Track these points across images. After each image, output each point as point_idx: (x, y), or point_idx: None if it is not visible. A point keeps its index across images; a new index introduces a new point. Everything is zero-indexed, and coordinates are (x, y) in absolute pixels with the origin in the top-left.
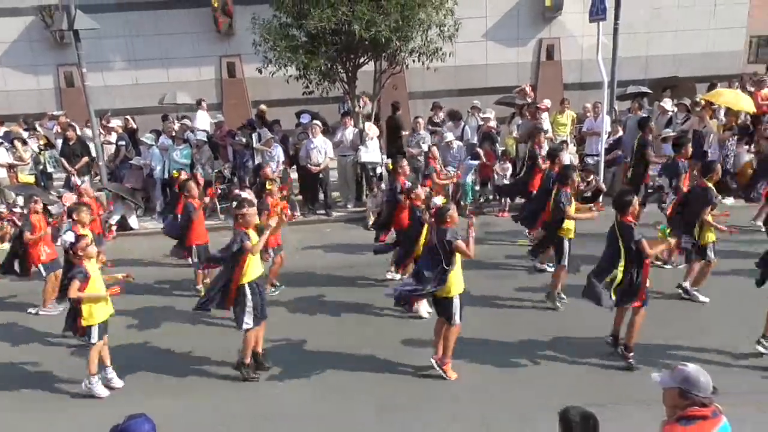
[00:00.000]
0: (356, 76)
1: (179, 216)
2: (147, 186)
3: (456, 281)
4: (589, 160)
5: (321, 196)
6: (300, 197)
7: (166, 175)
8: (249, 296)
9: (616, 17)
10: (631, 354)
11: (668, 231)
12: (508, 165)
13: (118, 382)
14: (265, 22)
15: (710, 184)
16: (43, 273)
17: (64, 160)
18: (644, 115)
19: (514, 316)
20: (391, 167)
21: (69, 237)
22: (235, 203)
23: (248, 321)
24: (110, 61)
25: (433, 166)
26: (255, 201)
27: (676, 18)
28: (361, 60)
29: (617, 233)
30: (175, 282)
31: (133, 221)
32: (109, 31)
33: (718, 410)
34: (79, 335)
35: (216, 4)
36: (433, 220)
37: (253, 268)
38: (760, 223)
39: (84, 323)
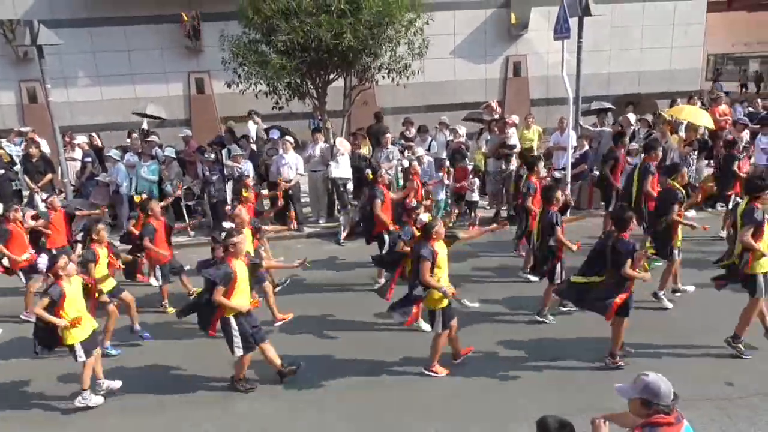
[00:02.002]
0: (326, 92)
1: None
2: (114, 203)
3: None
4: (556, 174)
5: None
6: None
7: (133, 192)
8: (235, 328)
9: (580, 36)
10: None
11: (651, 264)
12: (476, 180)
13: (97, 399)
14: (234, 38)
15: (675, 184)
16: (23, 280)
17: (27, 178)
18: (609, 130)
19: (492, 326)
20: (371, 177)
21: (43, 261)
22: (224, 235)
23: (239, 351)
24: (75, 76)
25: (416, 181)
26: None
27: (638, 37)
28: (331, 76)
29: (609, 248)
30: (141, 299)
31: None
32: (74, 47)
33: (681, 416)
34: (56, 347)
35: (186, 19)
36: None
37: (240, 300)
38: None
39: (66, 342)
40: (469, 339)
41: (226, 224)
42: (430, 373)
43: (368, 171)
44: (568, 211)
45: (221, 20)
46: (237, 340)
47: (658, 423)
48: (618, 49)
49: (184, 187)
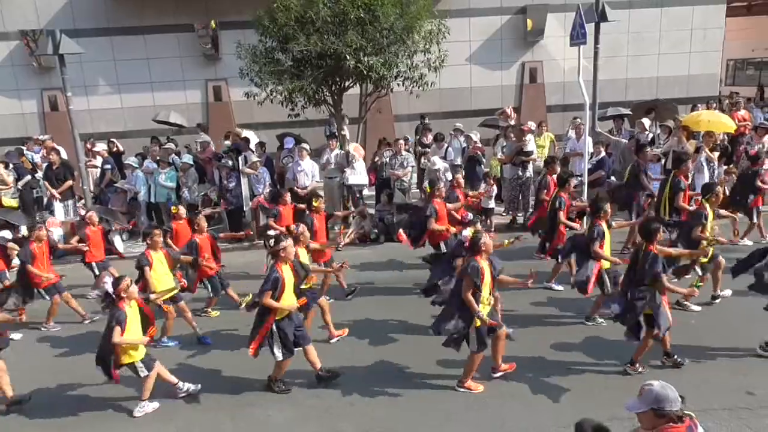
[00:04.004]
0: (342, 99)
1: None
2: (132, 210)
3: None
4: (573, 181)
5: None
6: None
7: (152, 199)
8: (275, 332)
9: (596, 41)
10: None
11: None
12: (494, 187)
13: (153, 405)
14: (251, 47)
15: (707, 206)
16: (46, 297)
17: (47, 184)
18: (625, 141)
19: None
20: (429, 190)
21: (108, 282)
22: (273, 241)
23: (278, 354)
24: (95, 85)
25: (460, 194)
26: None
27: (655, 42)
28: (347, 84)
29: (640, 259)
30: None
31: (118, 244)
32: (94, 55)
33: (693, 425)
34: (112, 379)
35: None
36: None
37: (288, 302)
38: (748, 242)
39: (128, 362)
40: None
41: (272, 232)
42: (464, 389)
43: (426, 184)
44: (585, 216)
45: (239, 29)
46: (278, 342)
47: None
48: (635, 54)
49: (202, 193)
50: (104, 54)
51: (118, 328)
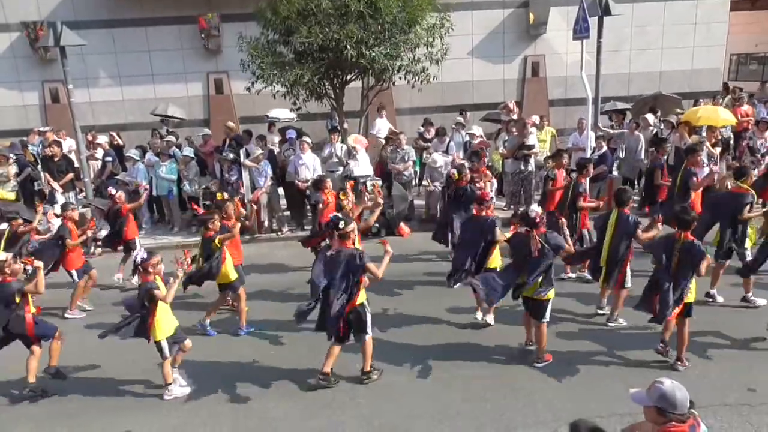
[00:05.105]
0: (344, 93)
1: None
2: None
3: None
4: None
5: (308, 212)
6: (287, 213)
7: (154, 192)
8: (368, 312)
9: (599, 35)
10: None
11: None
12: (494, 181)
13: (183, 390)
14: (252, 39)
15: (746, 186)
16: (76, 278)
17: (48, 176)
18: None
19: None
20: (457, 177)
21: (141, 253)
22: (342, 223)
23: (370, 332)
24: (97, 77)
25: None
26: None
27: (658, 36)
28: (349, 77)
29: (678, 249)
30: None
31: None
32: (96, 48)
33: (696, 423)
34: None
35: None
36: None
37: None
38: None
39: (156, 339)
40: (489, 342)
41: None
42: (542, 364)
43: (454, 171)
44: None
45: (240, 21)
46: (369, 320)
47: None
48: (638, 49)
49: (203, 186)
50: (105, 46)
51: (156, 292)
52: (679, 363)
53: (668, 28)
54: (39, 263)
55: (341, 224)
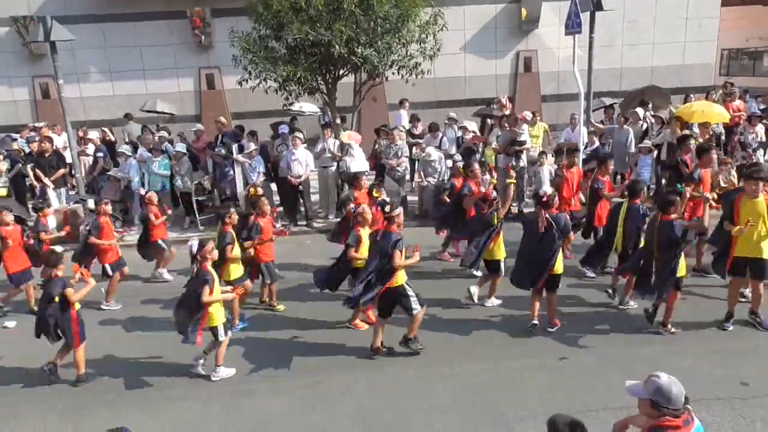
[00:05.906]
0: (336, 88)
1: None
2: (125, 198)
3: None
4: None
5: (301, 208)
6: (281, 209)
7: (145, 187)
8: (410, 290)
9: (591, 30)
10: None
11: None
12: (488, 176)
13: (229, 371)
14: (244, 34)
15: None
16: (110, 273)
17: (39, 172)
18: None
19: (508, 324)
20: (462, 171)
21: (194, 243)
22: (388, 208)
23: (417, 307)
24: (87, 72)
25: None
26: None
27: (650, 31)
28: (341, 72)
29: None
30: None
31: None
32: (86, 43)
33: (690, 417)
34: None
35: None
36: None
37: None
38: None
39: (212, 324)
40: (481, 336)
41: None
42: (554, 328)
43: (460, 164)
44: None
45: (232, 16)
46: (413, 297)
47: (666, 426)
48: (630, 44)
49: (195, 182)
50: (96, 41)
51: (206, 288)
52: (663, 328)
53: (660, 23)
54: (92, 282)
55: (387, 208)
